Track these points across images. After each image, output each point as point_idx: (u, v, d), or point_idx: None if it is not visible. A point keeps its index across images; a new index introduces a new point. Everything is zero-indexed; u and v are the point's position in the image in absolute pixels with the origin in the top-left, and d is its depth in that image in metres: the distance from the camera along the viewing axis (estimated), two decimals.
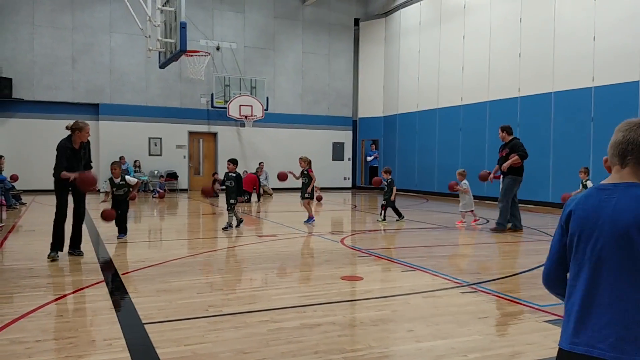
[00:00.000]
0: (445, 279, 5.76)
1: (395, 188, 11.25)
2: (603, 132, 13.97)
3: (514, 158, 9.82)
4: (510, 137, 10.28)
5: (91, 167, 7.06)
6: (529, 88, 16.14)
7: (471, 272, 6.17)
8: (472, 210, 11.20)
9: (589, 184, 11.04)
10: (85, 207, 7.09)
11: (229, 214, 9.82)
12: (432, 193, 20.15)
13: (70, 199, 6.90)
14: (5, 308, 4.50)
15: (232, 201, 9.76)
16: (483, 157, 17.94)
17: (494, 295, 5.05)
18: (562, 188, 15.16)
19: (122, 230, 8.47)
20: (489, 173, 10.93)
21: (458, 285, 5.47)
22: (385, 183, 11.23)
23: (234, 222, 9.80)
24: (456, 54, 19.12)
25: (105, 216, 7.99)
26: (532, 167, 15.97)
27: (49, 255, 6.60)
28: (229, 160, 10.05)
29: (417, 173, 21.31)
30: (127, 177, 8.68)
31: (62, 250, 6.77)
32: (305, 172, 10.80)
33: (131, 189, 8.65)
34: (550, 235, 9.23)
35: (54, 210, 6.75)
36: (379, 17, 23.88)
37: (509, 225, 9.97)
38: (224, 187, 9.88)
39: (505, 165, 9.87)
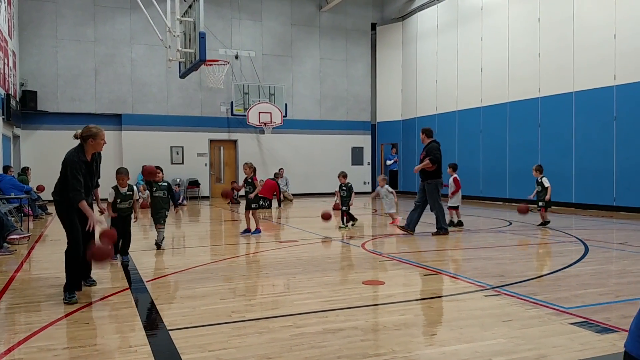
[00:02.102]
0: (468, 282, 5.72)
1: (354, 193, 11.17)
2: (626, 131, 13.75)
3: (425, 162, 9.62)
4: (429, 140, 10.04)
5: (98, 185, 5.84)
6: (549, 88, 15.97)
7: (494, 275, 6.11)
8: (394, 212, 11.57)
9: (545, 181, 10.89)
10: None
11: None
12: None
13: None
14: (33, 316, 4.59)
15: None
16: (504, 158, 17.78)
17: (518, 298, 5.00)
18: (585, 189, 14.94)
19: (125, 250, 7.25)
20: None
21: (481, 288, 5.43)
22: (345, 188, 10.96)
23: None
24: (474, 56, 19.01)
25: (106, 237, 5.62)
26: (555, 168, 15.80)
27: (67, 297, 5.03)
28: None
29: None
30: (135, 186, 7.35)
31: (80, 290, 5.39)
32: (250, 180, 10.12)
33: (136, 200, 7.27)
34: (574, 237, 9.11)
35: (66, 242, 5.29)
36: (395, 21, 23.86)
37: (410, 228, 9.81)
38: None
39: (417, 168, 9.74)
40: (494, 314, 4.49)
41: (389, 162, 24.69)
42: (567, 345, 3.69)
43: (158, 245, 8.38)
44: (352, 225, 11.17)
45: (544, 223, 10.91)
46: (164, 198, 8.49)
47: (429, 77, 21.64)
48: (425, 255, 7.70)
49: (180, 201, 18.62)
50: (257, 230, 10.11)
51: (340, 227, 10.94)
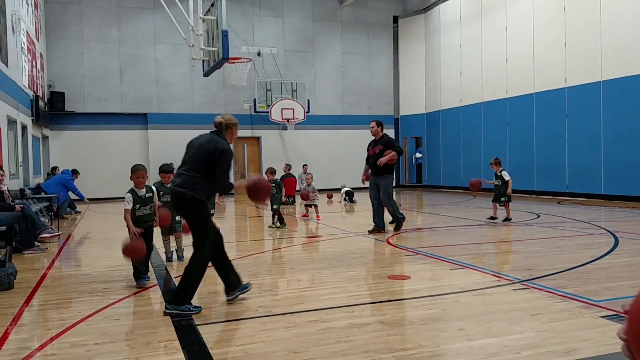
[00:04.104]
0: (496, 276, 5.66)
1: (284, 189, 10.97)
2: None
3: (392, 154, 8.98)
4: (382, 133, 9.52)
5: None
6: (576, 78, 15.67)
7: (522, 268, 6.03)
8: (316, 206, 11.88)
9: (505, 174, 10.55)
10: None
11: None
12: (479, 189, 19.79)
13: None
14: (65, 312, 4.70)
15: (275, 207, 10.17)
16: (531, 150, 17.52)
17: (547, 291, 4.94)
18: (614, 180, 14.65)
19: (146, 268, 5.84)
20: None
21: (509, 282, 5.37)
22: (274, 185, 10.19)
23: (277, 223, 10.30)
24: (499, 47, 18.75)
25: (132, 251, 5.20)
26: (583, 159, 15.52)
27: (192, 308, 4.48)
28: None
29: (463, 169, 20.97)
30: (153, 186, 6.06)
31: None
32: (277, 182, 9.94)
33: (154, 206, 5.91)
34: (604, 229, 8.94)
35: (202, 246, 4.68)
36: (418, 13, 23.66)
37: (381, 227, 9.34)
38: None
39: (383, 160, 8.94)
40: (522, 307, 4.44)
41: (418, 155, 24.59)
42: (598, 338, 3.63)
43: (179, 256, 7.16)
44: (280, 226, 10.36)
45: (507, 219, 10.44)
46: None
47: (453, 69, 21.42)
48: (451, 249, 7.64)
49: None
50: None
51: (270, 226, 10.41)
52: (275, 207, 10.37)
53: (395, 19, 24.54)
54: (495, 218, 10.57)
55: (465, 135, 20.87)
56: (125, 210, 5.59)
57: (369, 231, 9.33)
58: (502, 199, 10.50)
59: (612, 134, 14.68)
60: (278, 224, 10.39)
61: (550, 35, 16.51)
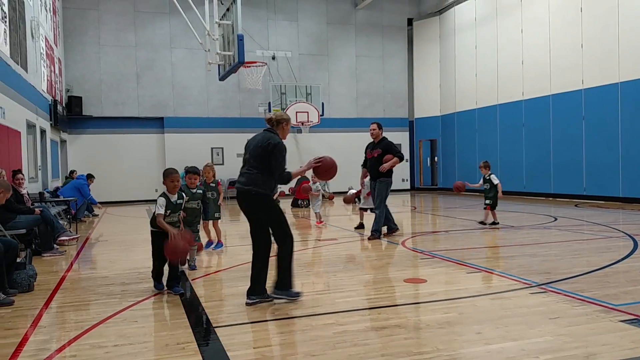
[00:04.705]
0: (513, 279, 5.62)
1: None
2: None
3: (393, 160, 8.75)
4: (382, 136, 9.22)
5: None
6: (594, 79, 15.51)
7: (540, 272, 5.98)
8: (318, 212, 11.03)
9: (493, 178, 10.36)
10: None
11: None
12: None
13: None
14: (84, 314, 4.76)
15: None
16: (548, 153, 17.37)
17: (565, 295, 4.89)
18: (632, 183, 14.46)
19: (177, 276, 5.54)
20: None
21: (527, 285, 5.33)
22: (214, 185, 8.85)
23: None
24: (515, 48, 18.62)
25: (178, 250, 5.09)
26: (600, 161, 15.34)
27: (294, 294, 4.90)
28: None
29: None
30: (183, 193, 5.76)
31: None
32: (214, 185, 8.51)
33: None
34: (622, 232, 8.82)
35: (277, 240, 4.97)
36: (432, 15, 23.60)
37: (384, 229, 9.21)
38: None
39: (386, 166, 8.72)
40: (540, 311, 4.40)
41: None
42: (617, 343, 3.59)
43: (190, 265, 6.75)
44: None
45: (494, 223, 10.28)
46: (196, 209, 6.98)
47: (468, 71, 21.32)
48: (467, 252, 7.60)
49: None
50: (219, 244, 8.50)
51: None
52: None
53: (410, 21, 24.50)
54: (485, 223, 10.40)
55: (480, 137, 20.75)
56: (158, 215, 5.29)
57: (384, 233, 9.23)
58: (487, 201, 10.33)
59: (630, 136, 14.50)
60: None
61: (567, 36, 16.37)
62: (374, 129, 9.26)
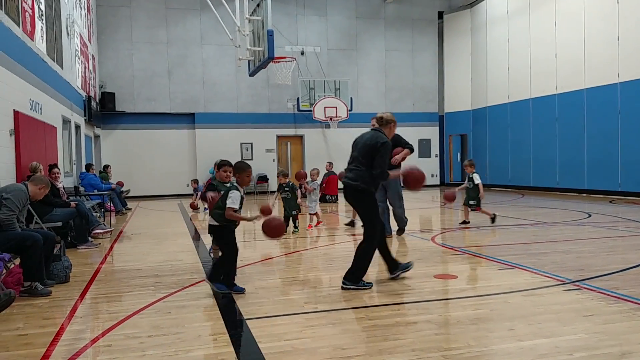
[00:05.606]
0: (546, 276, 5.53)
1: (299, 191, 9.89)
2: None
3: (405, 151, 8.55)
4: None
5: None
6: (630, 73, 15.08)
7: (574, 269, 5.87)
8: (316, 213, 10.23)
9: (476, 177, 10.02)
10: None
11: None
12: (527, 188, 19.35)
13: None
14: (118, 306, 4.87)
15: (294, 212, 9.45)
16: (582, 148, 16.98)
17: (600, 292, 4.79)
18: None
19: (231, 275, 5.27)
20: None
21: (560, 282, 5.24)
22: (287, 189, 9.53)
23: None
24: (548, 41, 18.24)
25: (279, 225, 5.21)
26: (636, 156, 14.93)
27: (365, 284, 5.19)
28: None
29: (511, 167, 20.53)
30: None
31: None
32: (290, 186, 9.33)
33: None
34: None
35: (371, 232, 5.28)
36: (463, 8, 23.27)
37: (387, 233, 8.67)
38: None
39: (398, 158, 8.38)
40: (573, 308, 4.33)
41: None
42: None
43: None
44: (294, 231, 9.51)
45: (465, 222, 10.04)
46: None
47: (500, 65, 20.97)
48: (499, 249, 7.50)
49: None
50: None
51: (293, 231, 9.49)
52: (294, 212, 9.50)
53: (440, 15, 24.20)
54: (468, 222, 10.18)
55: (513, 132, 20.41)
56: (229, 208, 4.98)
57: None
58: (471, 202, 10.12)
59: None
60: (294, 229, 9.55)
61: (602, 29, 15.95)
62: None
